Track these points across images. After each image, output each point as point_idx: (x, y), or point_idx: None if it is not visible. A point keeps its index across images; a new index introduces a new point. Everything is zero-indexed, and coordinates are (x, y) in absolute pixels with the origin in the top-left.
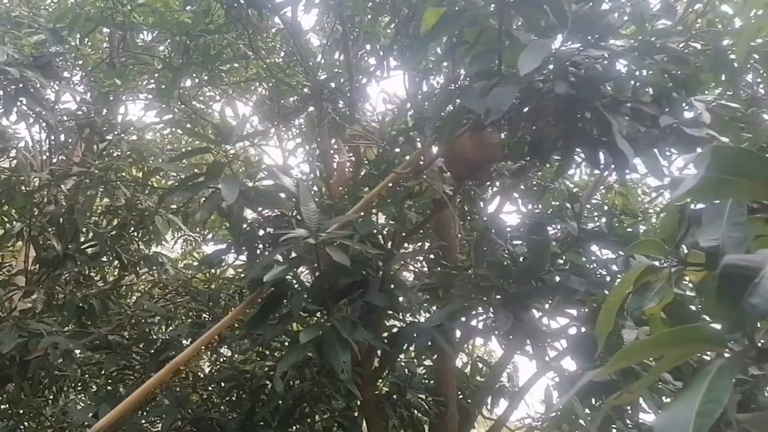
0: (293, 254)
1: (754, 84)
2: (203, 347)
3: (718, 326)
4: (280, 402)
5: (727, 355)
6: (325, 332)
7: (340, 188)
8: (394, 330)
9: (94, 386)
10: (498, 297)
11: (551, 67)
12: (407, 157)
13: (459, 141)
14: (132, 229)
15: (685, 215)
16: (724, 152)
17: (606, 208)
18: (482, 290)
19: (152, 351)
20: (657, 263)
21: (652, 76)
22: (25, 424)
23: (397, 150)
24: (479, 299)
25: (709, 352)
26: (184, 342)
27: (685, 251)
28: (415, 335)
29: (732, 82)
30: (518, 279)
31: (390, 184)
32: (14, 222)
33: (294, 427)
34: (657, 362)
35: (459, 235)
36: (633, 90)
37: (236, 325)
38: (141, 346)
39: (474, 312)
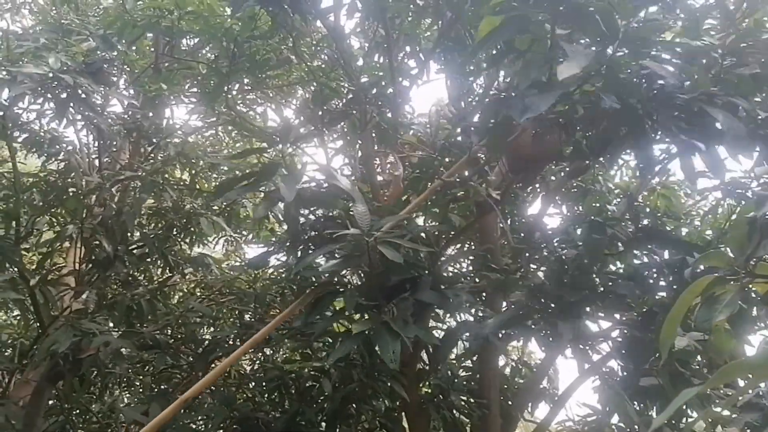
0: (341, 254)
1: None
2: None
3: None
4: (327, 403)
5: None
6: (377, 327)
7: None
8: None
9: (138, 384)
10: (553, 305)
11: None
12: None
13: (520, 135)
14: (178, 230)
15: (755, 227)
16: None
17: (648, 209)
18: (537, 298)
19: (200, 351)
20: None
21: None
22: (73, 420)
23: (447, 159)
24: (534, 308)
25: None
26: (230, 342)
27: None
28: (466, 335)
29: None
30: (573, 286)
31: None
32: (66, 224)
33: (339, 428)
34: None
35: (504, 242)
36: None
37: (281, 325)
38: (189, 345)
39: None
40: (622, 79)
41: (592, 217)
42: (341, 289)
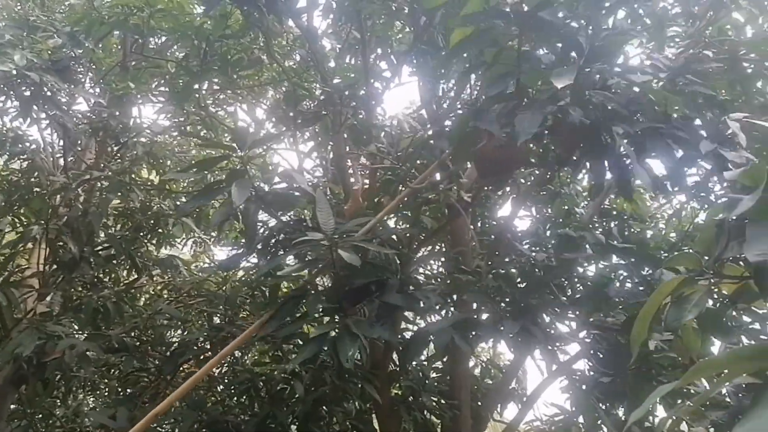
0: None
1: (765, 92)
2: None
3: None
4: (298, 406)
5: None
6: (339, 329)
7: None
8: (410, 333)
9: (104, 387)
10: (507, 308)
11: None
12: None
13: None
14: (145, 231)
15: (723, 229)
16: None
17: (615, 213)
18: (492, 300)
19: (168, 354)
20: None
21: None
22: (36, 424)
23: (418, 162)
24: (489, 308)
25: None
26: (199, 345)
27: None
28: (432, 336)
29: (745, 89)
30: (529, 290)
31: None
32: (30, 225)
33: (311, 430)
34: (722, 376)
35: (473, 243)
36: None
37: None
38: (156, 348)
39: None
40: (586, 95)
41: (564, 231)
42: (306, 293)
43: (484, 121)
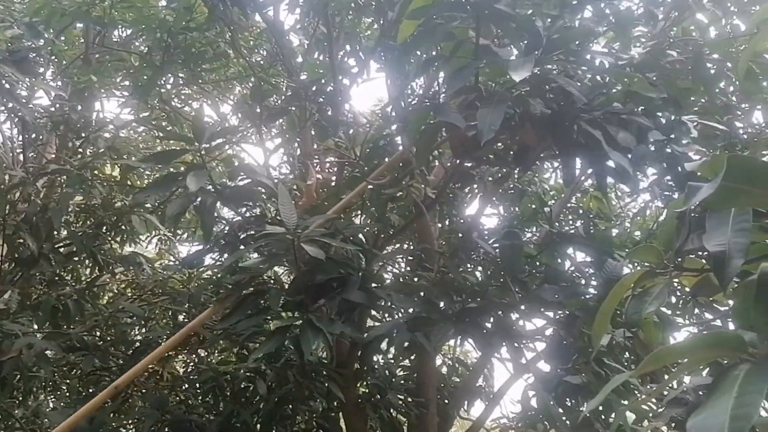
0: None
1: (727, 92)
2: (179, 347)
3: (743, 331)
4: (262, 404)
5: (750, 359)
6: (301, 324)
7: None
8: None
9: (64, 387)
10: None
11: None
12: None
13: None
14: (107, 228)
15: (684, 222)
16: (740, 161)
17: (581, 211)
18: (450, 298)
19: (130, 352)
20: (652, 268)
21: (640, 93)
22: None
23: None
24: (447, 306)
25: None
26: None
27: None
28: (394, 333)
29: (708, 90)
30: (473, 294)
31: (370, 187)
32: None
33: (275, 430)
34: (679, 366)
35: (442, 241)
36: (624, 104)
37: (214, 325)
38: (118, 347)
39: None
40: (556, 86)
41: (508, 225)
42: (268, 289)
43: (445, 114)
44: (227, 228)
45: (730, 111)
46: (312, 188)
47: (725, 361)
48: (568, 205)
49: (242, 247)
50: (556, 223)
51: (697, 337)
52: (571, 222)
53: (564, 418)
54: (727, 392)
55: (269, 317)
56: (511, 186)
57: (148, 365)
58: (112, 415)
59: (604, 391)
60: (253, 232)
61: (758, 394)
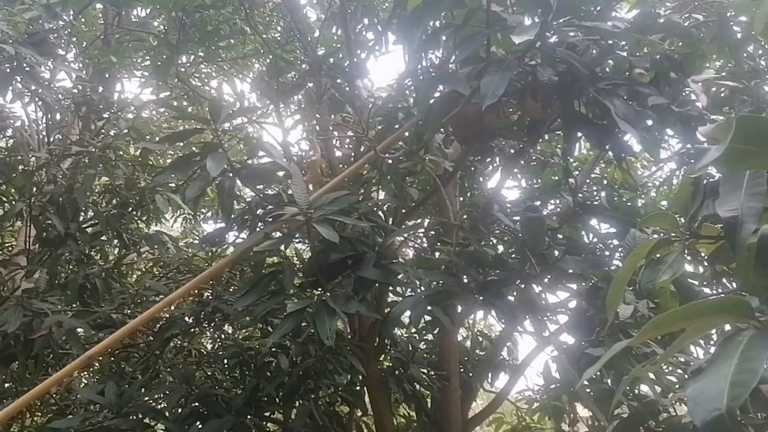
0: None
1: (755, 56)
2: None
3: (746, 297)
4: (285, 378)
5: (756, 326)
6: (317, 304)
7: (311, 187)
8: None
9: (96, 364)
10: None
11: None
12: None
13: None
14: (132, 208)
15: (699, 188)
16: (748, 122)
17: (606, 182)
18: (456, 277)
19: (157, 329)
20: (667, 236)
21: (648, 58)
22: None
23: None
24: (455, 285)
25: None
26: (188, 320)
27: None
28: (411, 308)
29: (734, 54)
30: (494, 266)
31: (390, 162)
32: (14, 202)
33: (298, 403)
34: (682, 333)
35: (458, 212)
36: (629, 71)
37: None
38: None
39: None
40: (564, 54)
41: (529, 198)
42: (283, 269)
43: (451, 81)
44: (246, 207)
45: (758, 75)
46: (317, 164)
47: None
48: (592, 175)
49: (260, 225)
50: (579, 195)
51: (701, 303)
52: (595, 193)
53: (588, 390)
54: (729, 358)
55: (287, 297)
56: (533, 158)
57: (136, 327)
58: (141, 389)
59: (604, 358)
60: (268, 211)
61: (759, 361)
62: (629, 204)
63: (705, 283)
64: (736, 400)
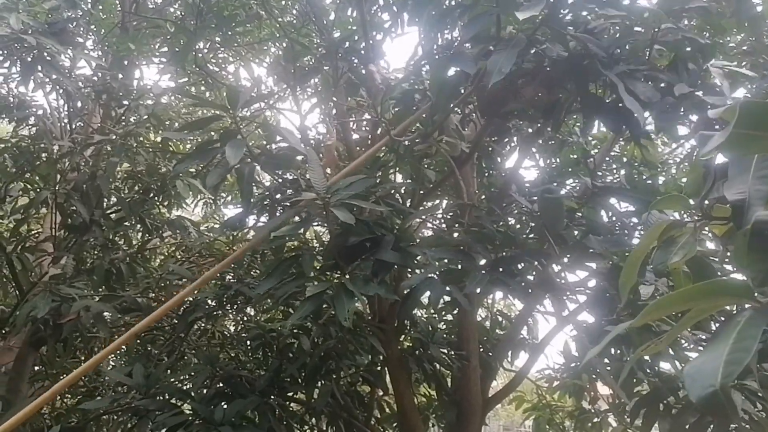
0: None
1: None
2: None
3: (746, 279)
4: (307, 359)
5: (754, 306)
6: (335, 288)
7: (328, 170)
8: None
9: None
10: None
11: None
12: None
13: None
14: (154, 193)
15: (710, 170)
16: (752, 107)
17: (625, 160)
18: (468, 255)
19: (181, 312)
20: (680, 217)
21: (670, 41)
22: None
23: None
24: (468, 264)
25: (735, 306)
26: (211, 303)
27: (706, 204)
28: (427, 286)
29: (754, 29)
30: (504, 246)
31: (407, 144)
32: (39, 189)
33: (321, 383)
34: (685, 315)
35: (476, 192)
36: (649, 54)
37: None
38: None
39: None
40: (576, 35)
41: (546, 179)
42: (302, 253)
43: (459, 61)
44: (265, 192)
45: None
46: (332, 148)
47: None
48: (612, 153)
49: (279, 210)
50: (599, 173)
51: (702, 285)
52: (614, 171)
53: (608, 368)
54: (726, 338)
55: (308, 280)
56: (551, 137)
57: (144, 329)
58: (167, 371)
59: (607, 338)
60: (286, 196)
61: (753, 339)
62: (649, 182)
63: (726, 260)
64: (729, 377)
